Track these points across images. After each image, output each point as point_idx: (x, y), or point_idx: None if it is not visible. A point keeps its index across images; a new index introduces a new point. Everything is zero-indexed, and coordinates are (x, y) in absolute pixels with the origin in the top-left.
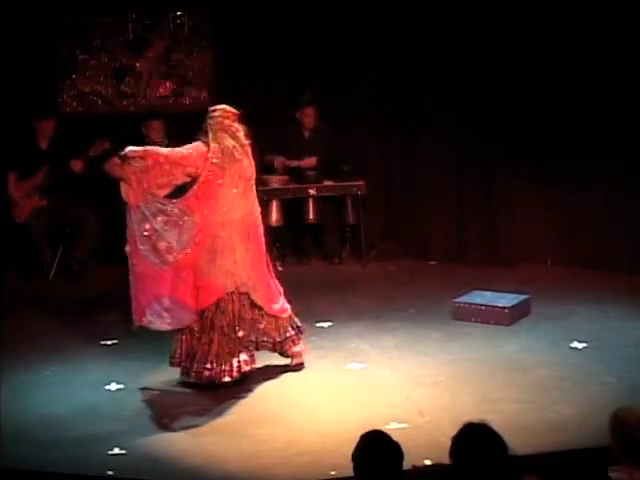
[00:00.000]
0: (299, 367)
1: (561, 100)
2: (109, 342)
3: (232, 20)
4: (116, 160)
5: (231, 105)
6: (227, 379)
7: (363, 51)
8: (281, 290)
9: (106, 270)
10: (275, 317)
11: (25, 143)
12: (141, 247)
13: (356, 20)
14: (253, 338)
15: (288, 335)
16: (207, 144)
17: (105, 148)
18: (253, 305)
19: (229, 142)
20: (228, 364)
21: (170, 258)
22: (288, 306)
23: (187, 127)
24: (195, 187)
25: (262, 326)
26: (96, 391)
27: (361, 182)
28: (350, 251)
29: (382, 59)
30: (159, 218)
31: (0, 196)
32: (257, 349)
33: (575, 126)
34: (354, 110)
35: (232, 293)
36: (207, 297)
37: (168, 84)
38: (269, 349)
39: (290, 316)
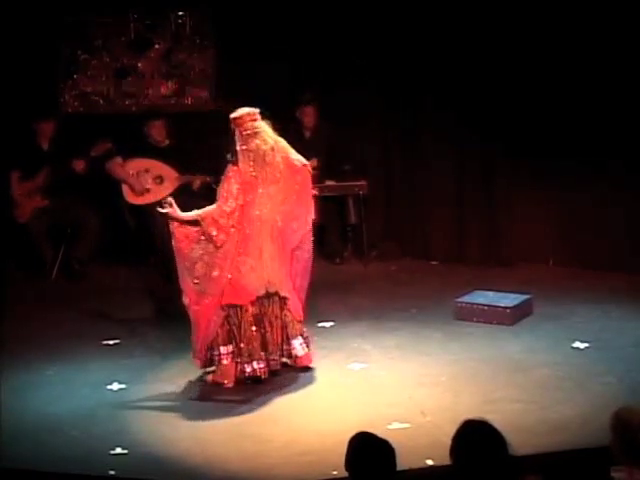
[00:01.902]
0: (304, 370)
1: (561, 100)
2: (111, 342)
3: (233, 20)
4: (118, 160)
5: (239, 105)
6: (276, 367)
7: (363, 51)
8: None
9: (107, 270)
10: (296, 320)
11: (27, 144)
12: (197, 287)
13: (356, 20)
14: (277, 341)
15: (299, 343)
16: (236, 161)
17: (107, 148)
18: (282, 304)
19: (262, 147)
20: (275, 354)
21: (221, 281)
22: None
23: (189, 127)
24: (241, 200)
25: (286, 325)
26: (98, 391)
27: (362, 182)
28: (351, 251)
29: (382, 59)
30: (210, 245)
31: (1, 196)
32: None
33: (576, 126)
34: (354, 110)
35: (262, 296)
36: (236, 296)
37: (170, 84)
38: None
39: (302, 324)
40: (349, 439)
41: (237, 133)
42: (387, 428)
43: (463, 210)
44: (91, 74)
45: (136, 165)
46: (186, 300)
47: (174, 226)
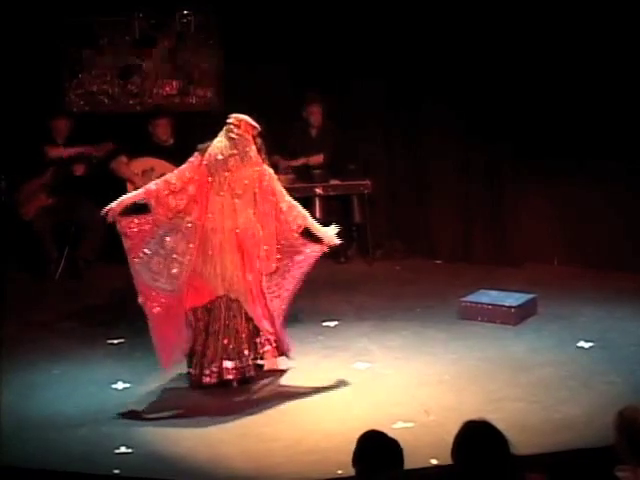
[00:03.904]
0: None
1: (568, 99)
2: (115, 341)
3: (237, 20)
4: (122, 159)
5: (247, 112)
6: (207, 380)
7: (367, 51)
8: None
9: (112, 270)
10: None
11: (38, 141)
12: (157, 284)
13: (362, 20)
14: (244, 350)
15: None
16: (203, 151)
17: (109, 149)
18: (245, 316)
19: (227, 150)
20: (211, 368)
21: (182, 278)
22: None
23: (193, 126)
24: (193, 191)
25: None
26: (103, 390)
27: (367, 181)
28: (356, 250)
29: (386, 59)
30: (168, 239)
31: (8, 194)
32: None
33: (582, 125)
34: (359, 110)
35: (222, 297)
36: (199, 297)
37: (174, 83)
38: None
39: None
40: (359, 436)
41: (224, 130)
42: (391, 427)
43: (468, 209)
44: (96, 73)
45: (141, 164)
46: (141, 299)
47: (123, 224)
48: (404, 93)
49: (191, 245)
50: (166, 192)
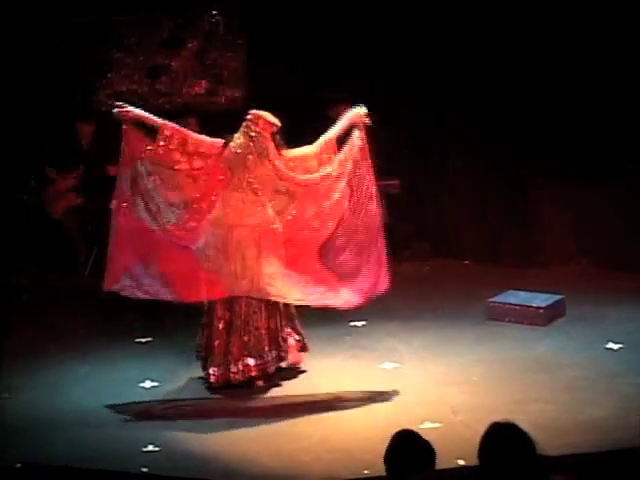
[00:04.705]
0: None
1: (586, 100)
2: (144, 340)
3: (263, 20)
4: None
5: (270, 110)
6: (234, 378)
7: (393, 51)
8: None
9: None
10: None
11: (66, 142)
12: (135, 200)
13: (388, 22)
14: (265, 347)
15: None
16: (228, 143)
17: None
18: (266, 312)
19: (247, 148)
20: (237, 365)
21: (160, 220)
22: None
23: (222, 125)
24: (200, 179)
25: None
26: (130, 388)
27: (395, 181)
28: None
29: (413, 59)
30: (152, 178)
31: (38, 192)
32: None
33: (605, 128)
34: (385, 110)
35: (242, 297)
36: (213, 292)
37: (203, 83)
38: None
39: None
40: (392, 434)
41: (243, 127)
42: (419, 427)
43: (496, 210)
44: (125, 73)
45: None
46: (114, 205)
47: (129, 130)
48: (429, 94)
49: (187, 225)
50: (177, 145)
